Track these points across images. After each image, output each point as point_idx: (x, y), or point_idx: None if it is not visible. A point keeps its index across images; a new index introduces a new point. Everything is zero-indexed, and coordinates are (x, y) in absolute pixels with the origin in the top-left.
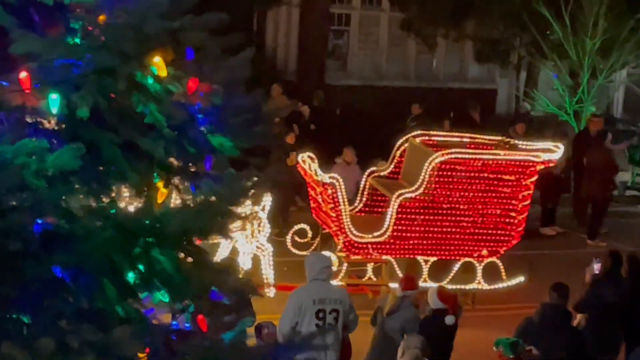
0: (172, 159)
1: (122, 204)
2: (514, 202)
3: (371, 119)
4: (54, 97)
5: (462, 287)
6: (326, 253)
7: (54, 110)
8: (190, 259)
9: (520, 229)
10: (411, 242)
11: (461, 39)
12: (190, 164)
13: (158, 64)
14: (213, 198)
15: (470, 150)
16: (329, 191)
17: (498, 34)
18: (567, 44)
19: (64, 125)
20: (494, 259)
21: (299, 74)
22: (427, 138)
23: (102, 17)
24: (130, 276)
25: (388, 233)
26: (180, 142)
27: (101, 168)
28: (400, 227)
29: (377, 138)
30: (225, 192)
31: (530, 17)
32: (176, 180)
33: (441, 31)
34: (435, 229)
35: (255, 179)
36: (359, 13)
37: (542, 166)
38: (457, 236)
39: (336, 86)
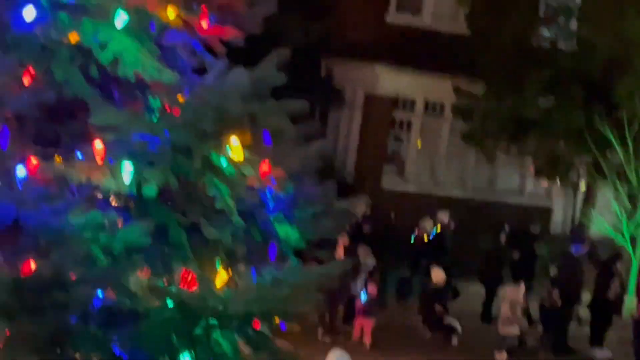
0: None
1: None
2: None
3: None
4: (129, 168)
5: None
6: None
7: (127, 181)
8: (250, 344)
9: None
10: None
11: (521, 154)
12: (254, 252)
13: (235, 147)
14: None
15: None
16: None
17: (558, 152)
18: (628, 167)
19: (133, 203)
20: None
21: (356, 176)
22: None
23: (180, 97)
24: (187, 358)
25: None
26: (247, 229)
27: (166, 249)
28: None
29: None
30: (287, 280)
31: (592, 137)
32: (239, 266)
33: (502, 145)
34: None
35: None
36: (421, 120)
37: None
38: None
39: (392, 191)
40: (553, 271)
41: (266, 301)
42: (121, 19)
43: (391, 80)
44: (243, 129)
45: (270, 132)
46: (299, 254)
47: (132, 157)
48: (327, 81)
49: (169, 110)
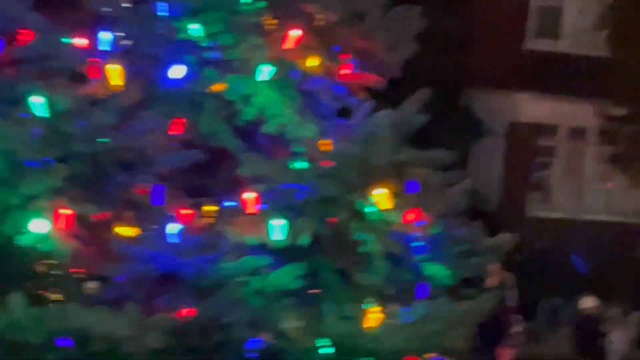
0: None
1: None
2: None
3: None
4: (280, 223)
5: None
6: None
7: (279, 237)
8: None
9: None
10: None
11: None
12: (404, 291)
13: (382, 196)
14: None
15: None
16: None
17: None
18: None
19: (284, 249)
20: None
21: (500, 205)
22: None
23: (325, 143)
24: None
25: None
26: (395, 271)
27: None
28: None
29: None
30: (438, 315)
31: None
32: (390, 305)
33: None
34: None
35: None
36: (565, 145)
37: None
38: None
39: (538, 218)
40: None
41: (418, 337)
42: (266, 72)
43: (532, 107)
44: (389, 179)
45: (416, 180)
46: (449, 290)
47: (281, 207)
48: (467, 112)
49: (313, 157)
